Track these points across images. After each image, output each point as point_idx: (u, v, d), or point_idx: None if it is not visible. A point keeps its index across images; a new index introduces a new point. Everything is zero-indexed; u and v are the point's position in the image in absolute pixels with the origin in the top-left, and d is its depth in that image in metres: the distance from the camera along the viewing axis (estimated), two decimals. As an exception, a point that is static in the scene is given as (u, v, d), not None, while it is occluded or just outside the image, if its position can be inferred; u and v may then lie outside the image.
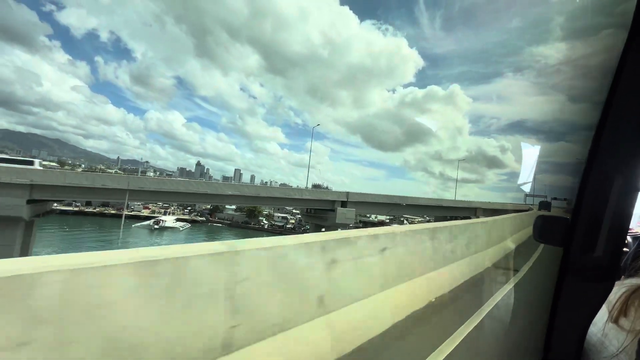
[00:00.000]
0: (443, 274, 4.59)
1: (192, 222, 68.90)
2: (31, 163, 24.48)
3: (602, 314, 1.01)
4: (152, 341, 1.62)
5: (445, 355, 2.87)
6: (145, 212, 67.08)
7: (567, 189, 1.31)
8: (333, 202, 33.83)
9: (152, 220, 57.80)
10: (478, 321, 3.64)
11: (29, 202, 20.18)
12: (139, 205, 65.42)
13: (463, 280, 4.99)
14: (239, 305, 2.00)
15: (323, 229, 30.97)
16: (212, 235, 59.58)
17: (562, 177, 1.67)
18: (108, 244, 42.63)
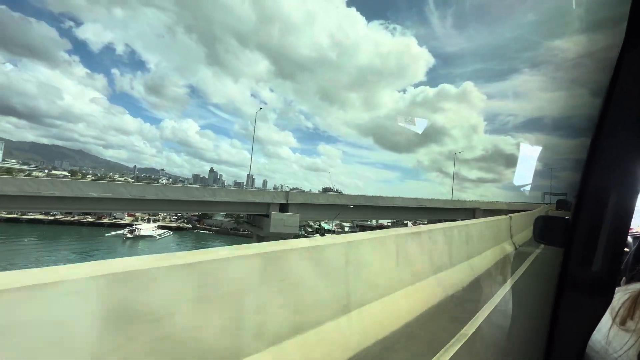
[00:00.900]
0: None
1: (177, 229, 65.46)
2: None
3: (606, 320, 0.99)
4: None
5: None
6: (129, 220, 64.10)
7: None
8: (268, 205, 25.97)
9: (127, 229, 54.42)
10: (475, 327, 3.64)
11: None
12: (122, 213, 62.25)
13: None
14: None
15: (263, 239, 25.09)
16: (191, 244, 55.54)
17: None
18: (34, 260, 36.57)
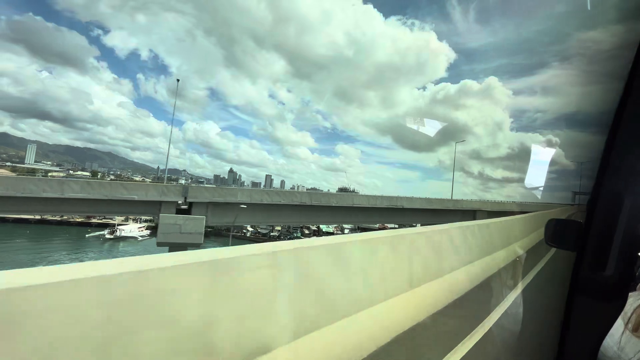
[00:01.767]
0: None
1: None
2: None
3: (618, 325, 0.97)
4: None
5: None
6: (119, 219, 62.71)
7: None
8: (160, 204, 18.71)
9: (107, 230, 52.61)
10: (487, 328, 3.56)
11: None
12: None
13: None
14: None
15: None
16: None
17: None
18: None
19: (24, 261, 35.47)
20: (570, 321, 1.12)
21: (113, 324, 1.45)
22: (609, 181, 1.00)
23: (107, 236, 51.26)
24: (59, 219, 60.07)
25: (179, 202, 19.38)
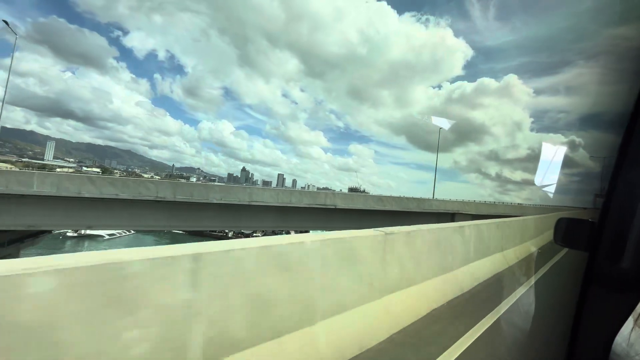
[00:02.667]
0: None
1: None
2: None
3: (628, 323, 0.96)
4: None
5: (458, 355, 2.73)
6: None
7: None
8: None
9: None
10: (495, 323, 3.51)
11: None
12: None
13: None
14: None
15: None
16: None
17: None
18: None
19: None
20: (581, 319, 1.11)
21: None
22: (623, 181, 0.99)
23: (70, 234, 43.99)
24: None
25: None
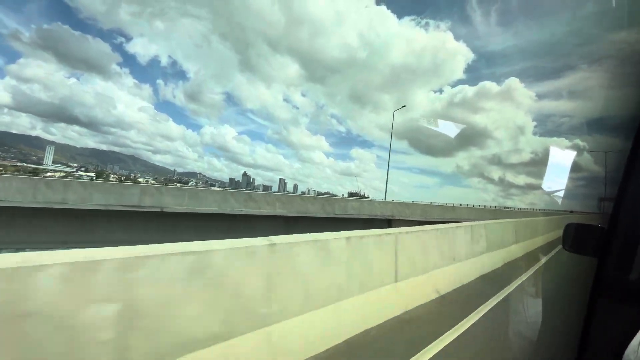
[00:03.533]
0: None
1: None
2: None
3: (638, 335, 0.93)
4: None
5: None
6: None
7: None
8: None
9: None
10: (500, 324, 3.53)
11: None
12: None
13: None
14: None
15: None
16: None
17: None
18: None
19: None
20: (591, 327, 1.09)
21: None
22: (635, 185, 0.97)
23: None
24: None
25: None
